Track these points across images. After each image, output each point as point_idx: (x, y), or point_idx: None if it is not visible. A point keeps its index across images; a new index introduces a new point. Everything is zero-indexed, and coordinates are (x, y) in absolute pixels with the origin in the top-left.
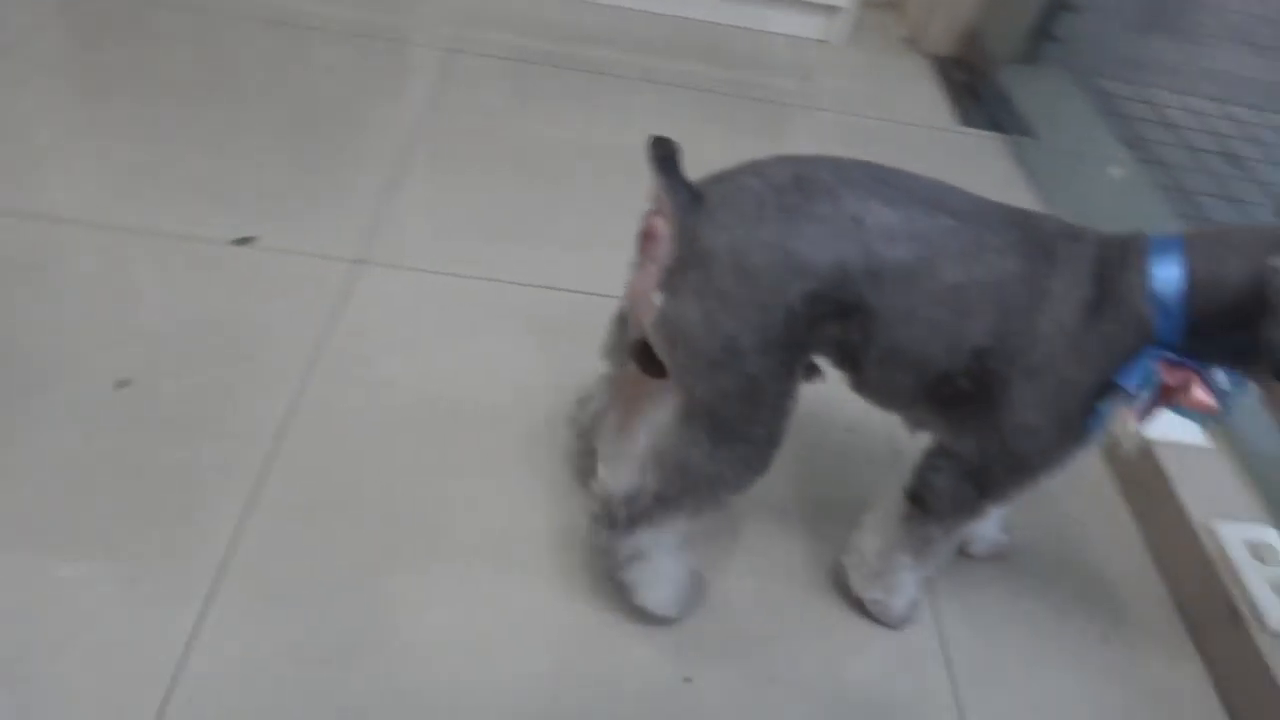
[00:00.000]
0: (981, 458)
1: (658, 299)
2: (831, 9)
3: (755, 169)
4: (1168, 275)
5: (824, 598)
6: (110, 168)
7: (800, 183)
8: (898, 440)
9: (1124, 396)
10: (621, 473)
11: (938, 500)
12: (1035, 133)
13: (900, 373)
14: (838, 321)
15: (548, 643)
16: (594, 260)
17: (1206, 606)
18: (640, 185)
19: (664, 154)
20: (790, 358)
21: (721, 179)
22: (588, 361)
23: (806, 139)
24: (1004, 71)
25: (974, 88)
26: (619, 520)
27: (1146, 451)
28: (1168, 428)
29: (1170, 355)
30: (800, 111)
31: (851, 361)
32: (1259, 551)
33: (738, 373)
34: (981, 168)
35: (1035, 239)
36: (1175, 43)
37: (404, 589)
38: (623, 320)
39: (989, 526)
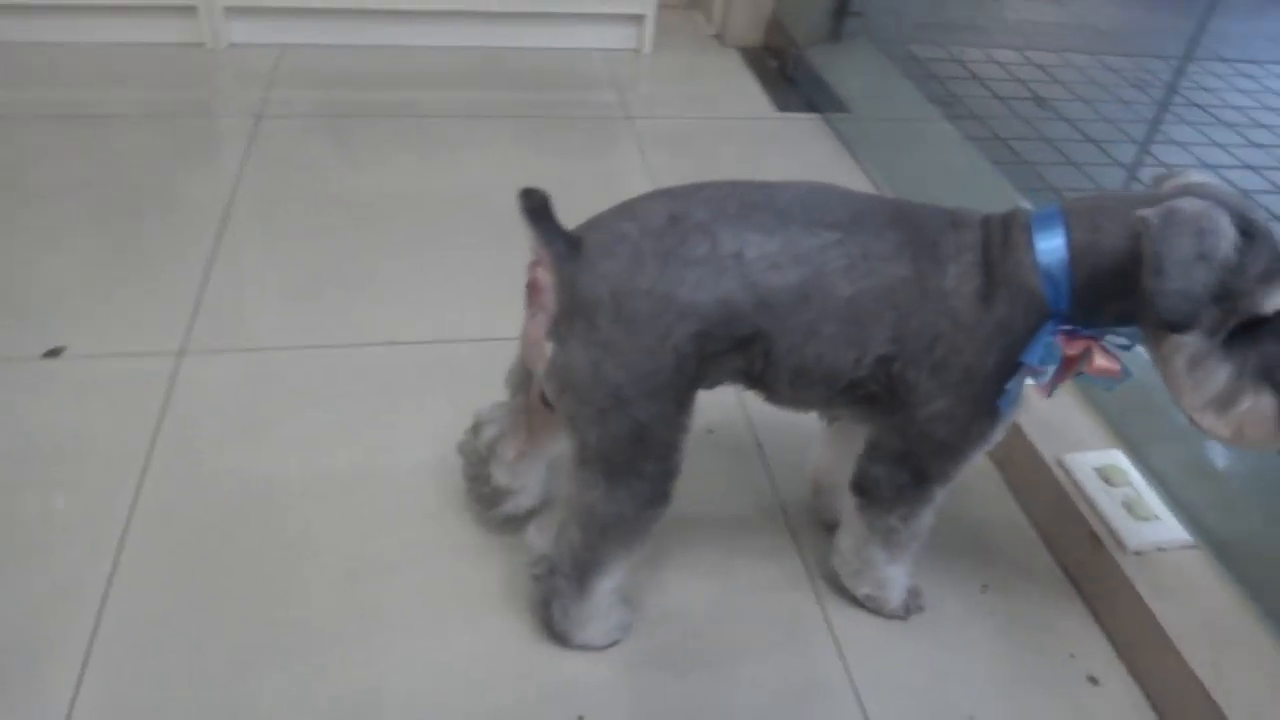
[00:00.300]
0: (906, 446)
1: (548, 348)
2: (636, 17)
3: (630, 212)
4: (1051, 247)
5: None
6: None
7: (675, 223)
8: (760, 434)
9: (1030, 372)
10: (545, 524)
11: (878, 489)
12: (850, 107)
13: (809, 388)
14: (737, 353)
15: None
16: (431, 308)
17: (1070, 537)
18: (466, 224)
19: (534, 205)
20: (682, 397)
21: (598, 224)
22: (443, 411)
23: (632, 150)
24: (812, 53)
25: (785, 73)
26: (565, 579)
27: None
28: None
29: (1067, 327)
30: (622, 123)
31: (760, 383)
32: (1108, 475)
33: (626, 419)
34: (805, 150)
35: (918, 238)
36: (973, 0)
37: (278, 686)
38: None
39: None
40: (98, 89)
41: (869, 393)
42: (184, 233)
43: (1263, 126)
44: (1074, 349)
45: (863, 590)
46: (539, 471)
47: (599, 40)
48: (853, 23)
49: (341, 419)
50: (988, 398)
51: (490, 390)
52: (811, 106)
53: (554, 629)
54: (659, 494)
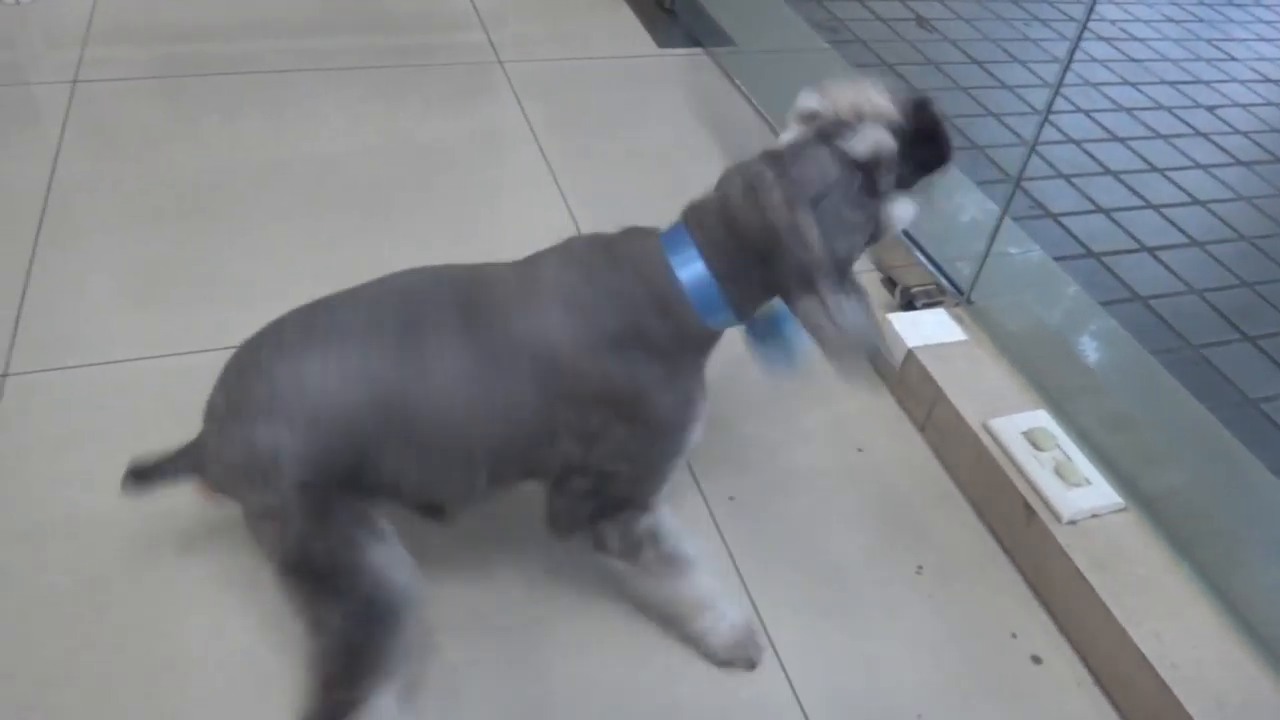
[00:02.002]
0: (592, 485)
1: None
2: None
3: (225, 373)
4: (694, 276)
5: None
6: None
7: (240, 373)
8: None
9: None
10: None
11: (569, 519)
12: (734, 40)
13: (454, 500)
14: (354, 482)
15: None
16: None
17: (1002, 508)
18: (327, 198)
19: (143, 480)
20: (341, 528)
21: (210, 401)
22: None
23: (509, 100)
24: None
25: (664, 5)
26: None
27: (910, 360)
28: (923, 332)
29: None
30: (494, 68)
31: (408, 507)
32: (1035, 438)
33: (303, 573)
34: (689, 86)
35: (484, 317)
36: None
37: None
38: None
39: None
40: None
41: (530, 474)
42: None
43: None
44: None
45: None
46: None
47: None
48: None
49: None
50: (670, 426)
51: None
52: (694, 41)
53: None
54: (373, 610)
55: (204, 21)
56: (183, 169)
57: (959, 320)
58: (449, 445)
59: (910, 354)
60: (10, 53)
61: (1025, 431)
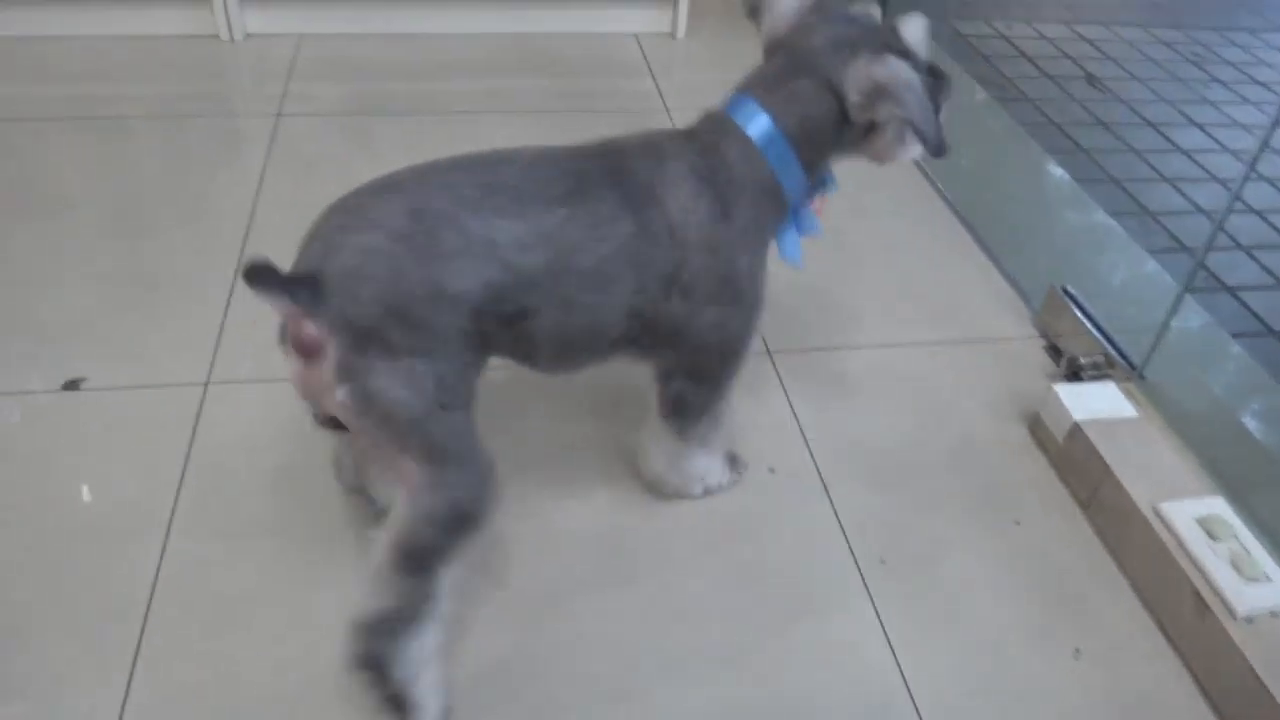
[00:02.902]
0: (693, 361)
1: (344, 391)
2: (666, 0)
3: (364, 217)
4: (762, 132)
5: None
6: None
7: (420, 218)
8: (827, 473)
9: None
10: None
11: (685, 404)
12: None
13: (576, 353)
14: (504, 329)
15: None
16: None
17: (1171, 598)
18: None
19: (261, 275)
20: (474, 373)
21: (332, 242)
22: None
23: None
24: None
25: None
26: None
27: (1075, 434)
28: (1090, 405)
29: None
30: (659, 116)
31: (528, 357)
32: (1210, 526)
33: (438, 418)
34: None
35: (634, 188)
36: None
37: None
38: None
39: None
40: (108, 86)
41: (636, 338)
42: (207, 246)
43: None
44: (820, 206)
45: (696, 491)
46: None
47: (630, 25)
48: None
49: None
50: (748, 294)
51: None
52: None
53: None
54: (485, 468)
55: (396, 62)
56: None
57: (1129, 395)
58: (602, 303)
59: (1075, 427)
60: (225, 85)
61: (1200, 519)
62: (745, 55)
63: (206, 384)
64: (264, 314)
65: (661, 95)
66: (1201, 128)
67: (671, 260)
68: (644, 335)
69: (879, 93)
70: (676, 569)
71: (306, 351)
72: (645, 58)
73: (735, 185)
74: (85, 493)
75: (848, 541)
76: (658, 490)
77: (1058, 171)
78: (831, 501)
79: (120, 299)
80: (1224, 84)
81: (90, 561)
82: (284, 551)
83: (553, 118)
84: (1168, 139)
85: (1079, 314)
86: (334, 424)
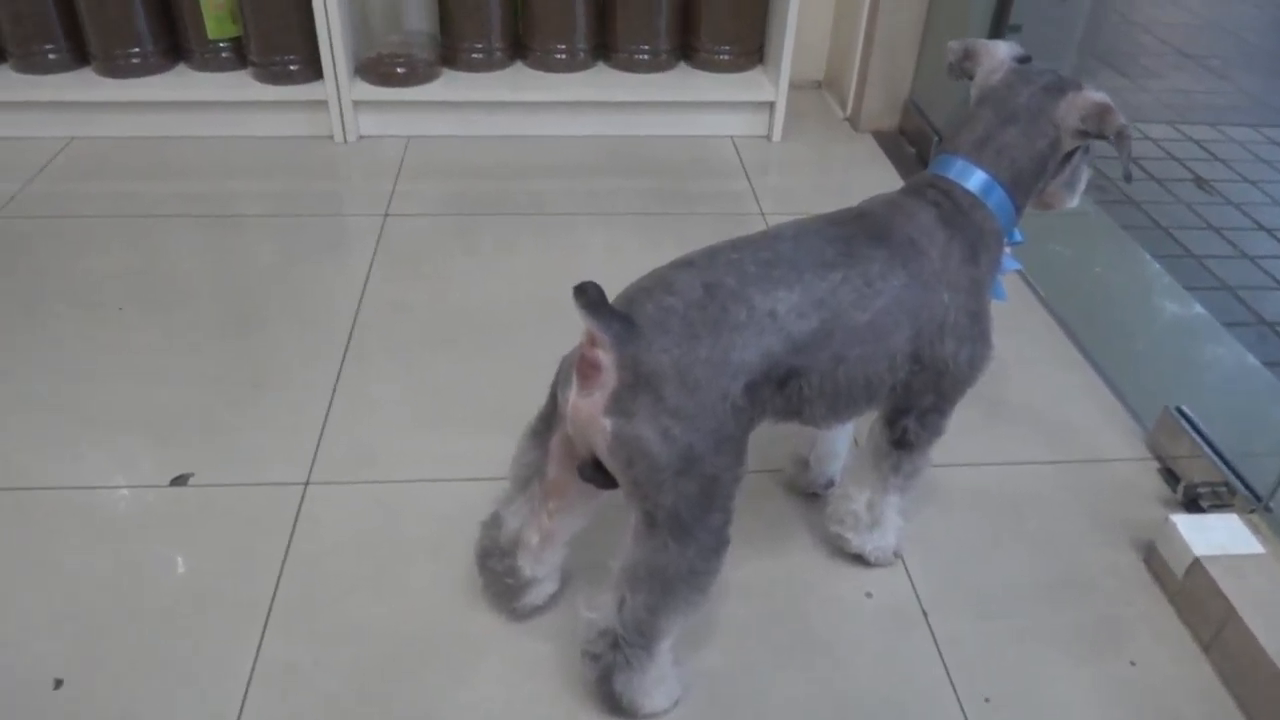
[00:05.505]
0: (939, 395)
1: (608, 424)
2: (763, 104)
3: (666, 285)
4: (988, 190)
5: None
6: (24, 409)
7: (712, 292)
8: (926, 600)
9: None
10: (598, 601)
11: (917, 437)
12: None
13: (851, 404)
14: (777, 393)
15: None
16: None
17: None
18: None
19: (592, 299)
20: (740, 445)
21: (637, 300)
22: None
23: None
24: None
25: (925, 159)
26: (631, 649)
27: (1195, 570)
28: (1212, 539)
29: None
30: (754, 219)
31: (797, 414)
32: None
33: (698, 475)
34: None
35: (897, 243)
36: (1120, 73)
37: None
38: (536, 438)
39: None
40: (229, 183)
41: (909, 382)
42: (312, 345)
43: None
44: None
45: (872, 544)
46: (559, 555)
47: (727, 128)
48: None
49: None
50: (988, 330)
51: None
52: None
53: (621, 703)
54: (722, 541)
55: (499, 163)
56: (468, 300)
57: (1254, 529)
58: (876, 353)
59: (1196, 563)
60: (336, 185)
61: None
62: (838, 158)
63: (306, 484)
64: (365, 413)
65: (756, 197)
66: None
67: (942, 303)
68: (916, 378)
69: (1102, 111)
70: (764, 697)
71: (590, 376)
72: (741, 160)
73: (974, 230)
74: (186, 588)
75: (949, 675)
76: (844, 543)
77: (1166, 279)
78: (932, 630)
79: (228, 395)
80: None
81: (188, 656)
82: (376, 657)
83: (649, 219)
84: None
85: (1195, 436)
86: (593, 473)
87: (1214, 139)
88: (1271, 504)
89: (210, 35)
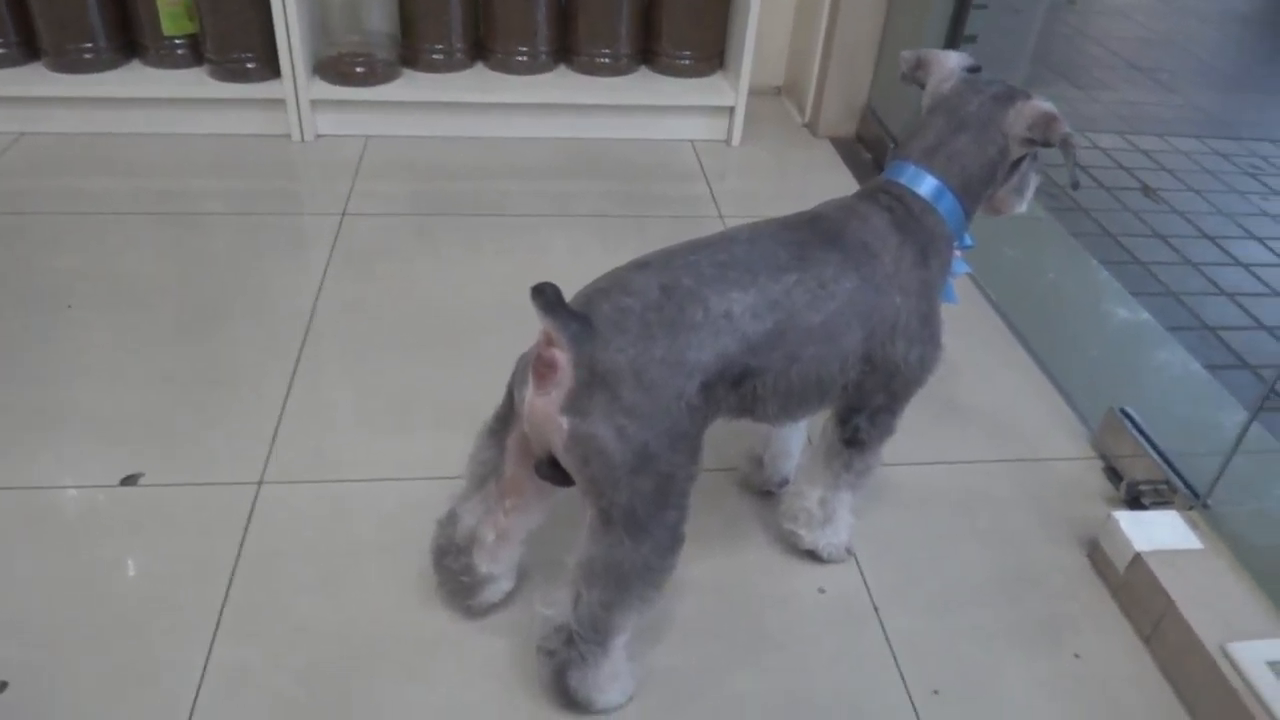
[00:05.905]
0: (889, 395)
1: (565, 422)
2: (723, 109)
3: (623, 286)
4: (931, 189)
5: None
6: None
7: (669, 293)
8: (878, 596)
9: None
10: (554, 598)
11: (868, 435)
12: None
13: (802, 404)
14: (731, 392)
15: None
16: None
17: None
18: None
19: (549, 299)
20: (695, 442)
21: (594, 300)
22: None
23: None
24: None
25: (883, 165)
26: (586, 644)
27: (1137, 565)
28: (1152, 535)
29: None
30: (712, 222)
31: (750, 411)
32: None
33: (654, 473)
34: None
35: (850, 248)
36: (1074, 85)
37: None
38: (493, 437)
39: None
40: (183, 181)
41: (860, 382)
42: (267, 344)
43: None
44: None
45: (825, 539)
46: (515, 552)
47: (686, 132)
48: None
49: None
50: (938, 331)
51: None
52: None
53: (575, 698)
54: (677, 538)
55: (458, 164)
56: (427, 300)
57: (1193, 525)
58: (829, 354)
59: (1138, 558)
60: (293, 184)
61: (1272, 662)
62: (796, 163)
63: (260, 483)
64: (320, 413)
65: (715, 200)
66: (1261, 241)
67: (894, 306)
68: (868, 378)
69: (1048, 120)
70: (718, 693)
71: (547, 375)
72: (700, 164)
73: (925, 234)
74: (137, 589)
75: (899, 669)
76: (797, 539)
77: (1114, 285)
78: (883, 625)
79: (180, 395)
80: None
81: (138, 659)
82: (329, 657)
83: (608, 221)
84: (1226, 251)
85: (1138, 436)
86: (550, 470)
87: (1161, 149)
88: (1209, 501)
89: (166, 31)
